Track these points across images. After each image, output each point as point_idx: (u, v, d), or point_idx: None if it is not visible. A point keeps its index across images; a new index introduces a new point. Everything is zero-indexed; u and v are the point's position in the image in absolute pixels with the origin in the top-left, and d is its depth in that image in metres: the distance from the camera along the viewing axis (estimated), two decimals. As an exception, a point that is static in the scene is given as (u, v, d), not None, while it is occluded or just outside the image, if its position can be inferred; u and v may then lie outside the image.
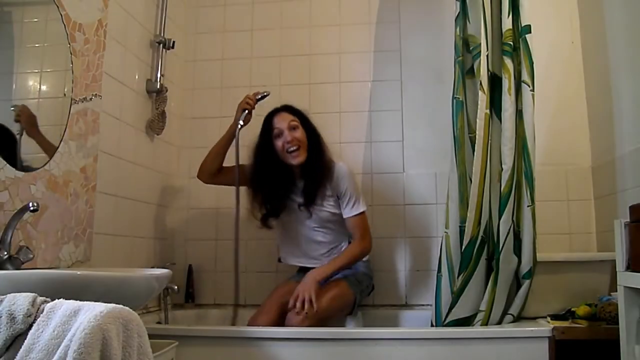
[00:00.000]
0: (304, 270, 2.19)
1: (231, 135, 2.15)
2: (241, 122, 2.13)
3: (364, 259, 2.20)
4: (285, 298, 2.06)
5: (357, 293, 2.13)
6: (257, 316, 2.08)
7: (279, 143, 2.07)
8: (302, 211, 2.11)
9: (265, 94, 2.18)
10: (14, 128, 1.54)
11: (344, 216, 2.12)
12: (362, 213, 2.12)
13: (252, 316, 2.11)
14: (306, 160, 2.07)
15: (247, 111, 2.15)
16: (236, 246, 2.16)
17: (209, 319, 2.38)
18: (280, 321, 2.05)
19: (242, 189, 2.17)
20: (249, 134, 2.16)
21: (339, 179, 2.10)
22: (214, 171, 2.19)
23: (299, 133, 2.08)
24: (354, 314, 2.20)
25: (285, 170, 2.10)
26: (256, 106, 2.17)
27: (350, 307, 2.15)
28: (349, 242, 2.17)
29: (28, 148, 1.60)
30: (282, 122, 2.08)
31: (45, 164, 1.62)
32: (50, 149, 1.66)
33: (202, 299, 2.52)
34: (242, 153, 2.14)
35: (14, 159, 1.50)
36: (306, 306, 1.92)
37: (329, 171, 2.10)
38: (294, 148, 2.05)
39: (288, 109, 2.13)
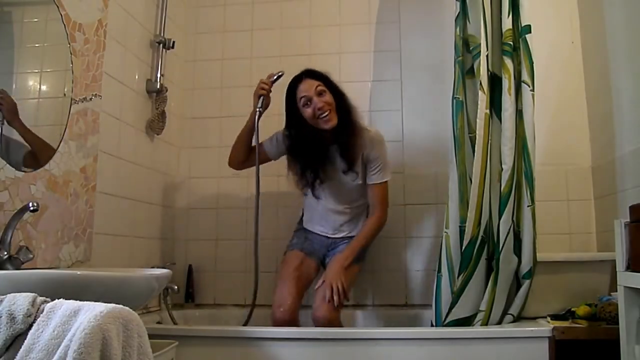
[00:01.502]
0: (305, 233, 2.24)
1: (253, 124, 2.11)
2: (259, 109, 2.09)
3: None
4: (298, 272, 2.10)
5: (361, 263, 2.19)
6: (280, 302, 2.06)
7: (308, 110, 2.04)
8: (347, 175, 2.10)
9: (279, 74, 2.11)
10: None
11: (369, 182, 2.11)
12: (386, 182, 2.14)
13: (274, 302, 2.08)
14: (338, 123, 2.05)
15: (263, 97, 2.10)
16: (256, 226, 2.08)
17: (209, 319, 2.37)
18: (302, 299, 2.10)
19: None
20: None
21: (375, 143, 2.10)
22: (242, 158, 2.21)
23: (327, 97, 2.05)
24: None
25: (318, 137, 2.07)
26: (272, 88, 2.12)
27: (355, 279, 2.20)
28: (367, 213, 2.19)
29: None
30: (309, 89, 2.04)
31: (40, 163, 1.61)
32: (34, 141, 1.59)
33: (202, 299, 2.52)
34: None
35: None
36: (341, 298, 1.98)
37: (360, 132, 2.08)
38: (326, 113, 2.03)
39: (310, 74, 2.09)
